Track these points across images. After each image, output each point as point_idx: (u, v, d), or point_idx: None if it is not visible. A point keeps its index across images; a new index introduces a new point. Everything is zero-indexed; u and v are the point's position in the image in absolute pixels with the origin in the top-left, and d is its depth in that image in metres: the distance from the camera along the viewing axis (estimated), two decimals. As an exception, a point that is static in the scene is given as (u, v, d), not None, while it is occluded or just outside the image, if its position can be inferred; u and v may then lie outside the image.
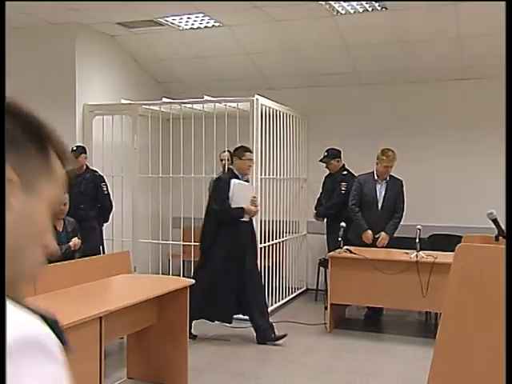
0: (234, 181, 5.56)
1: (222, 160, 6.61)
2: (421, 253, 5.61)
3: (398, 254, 5.83)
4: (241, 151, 5.66)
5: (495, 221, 3.56)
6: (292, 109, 7.32)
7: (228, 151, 6.33)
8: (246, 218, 5.62)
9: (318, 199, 7.27)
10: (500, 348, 3.16)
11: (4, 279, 0.67)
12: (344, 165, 7.02)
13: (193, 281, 4.68)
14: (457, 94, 7.29)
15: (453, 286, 3.21)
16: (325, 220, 7.11)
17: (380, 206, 6.25)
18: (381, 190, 6.30)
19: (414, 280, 5.51)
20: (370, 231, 6.18)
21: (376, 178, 6.31)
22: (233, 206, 5.52)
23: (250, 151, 5.73)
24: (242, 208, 5.54)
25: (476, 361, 3.17)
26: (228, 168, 5.90)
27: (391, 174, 6.34)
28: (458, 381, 3.23)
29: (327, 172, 7.13)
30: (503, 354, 3.16)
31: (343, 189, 6.82)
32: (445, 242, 6.11)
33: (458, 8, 5.85)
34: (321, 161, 6.99)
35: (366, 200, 6.25)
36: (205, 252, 5.68)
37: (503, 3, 3.32)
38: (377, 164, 6.25)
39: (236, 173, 5.64)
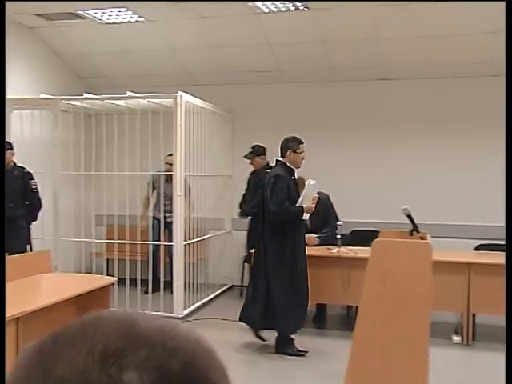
0: (309, 181, 5.27)
1: (168, 164, 6.61)
2: (342, 248, 5.75)
3: (321, 250, 5.95)
4: (295, 144, 5.25)
5: (409, 216, 3.71)
6: (217, 106, 7.34)
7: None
8: (305, 217, 5.26)
9: (243, 196, 7.31)
10: (415, 337, 3.29)
11: (4, 279, 0.64)
12: (268, 162, 7.09)
13: (114, 278, 4.62)
14: (373, 93, 7.51)
15: (370, 279, 3.32)
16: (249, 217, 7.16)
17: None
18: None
19: (335, 275, 5.64)
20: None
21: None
22: (298, 205, 5.14)
23: (303, 142, 5.30)
24: (301, 206, 5.14)
25: (392, 350, 3.29)
26: (277, 161, 5.37)
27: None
28: (376, 370, 3.34)
29: (252, 169, 7.19)
30: (418, 343, 3.30)
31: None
32: (366, 237, 6.24)
33: (376, 11, 6.02)
34: (245, 157, 7.03)
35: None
36: (260, 257, 5.24)
37: (503, 3, 3.42)
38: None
39: (289, 166, 5.26)
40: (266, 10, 6.08)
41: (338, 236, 5.79)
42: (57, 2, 6.07)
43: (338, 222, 5.91)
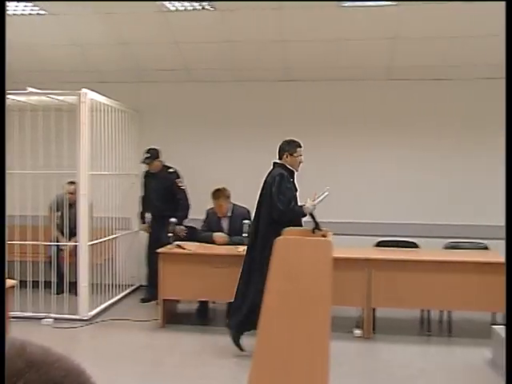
0: (326, 192, 5.15)
1: (70, 193, 6.54)
2: (249, 247, 5.82)
3: (228, 249, 6.00)
4: (292, 147, 5.23)
5: (312, 215, 3.82)
6: (123, 104, 7.23)
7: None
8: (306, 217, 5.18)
9: (143, 199, 7.24)
10: (316, 332, 3.39)
11: (4, 279, 0.60)
12: (164, 163, 7.08)
13: (14, 281, 4.46)
14: (277, 93, 7.67)
15: (273, 277, 3.40)
16: (149, 215, 7.12)
17: None
18: None
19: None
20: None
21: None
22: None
23: (301, 146, 5.28)
24: (301, 207, 5.07)
25: (294, 345, 3.38)
26: (275, 163, 5.30)
27: None
28: (279, 365, 3.41)
29: (144, 171, 7.18)
30: (319, 337, 3.40)
31: (181, 185, 6.95)
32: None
33: (281, 13, 6.14)
34: (144, 162, 6.96)
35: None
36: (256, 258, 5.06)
37: (503, 3, 3.50)
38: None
39: (290, 168, 5.23)
40: (173, 9, 6.06)
41: (245, 235, 5.86)
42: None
43: (245, 221, 5.99)
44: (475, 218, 7.27)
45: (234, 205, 6.43)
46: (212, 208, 6.47)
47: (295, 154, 5.21)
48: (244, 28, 6.53)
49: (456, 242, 6.48)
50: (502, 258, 5.44)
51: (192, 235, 7.12)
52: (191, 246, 6.08)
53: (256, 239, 5.11)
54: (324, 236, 3.76)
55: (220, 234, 6.29)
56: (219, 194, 6.37)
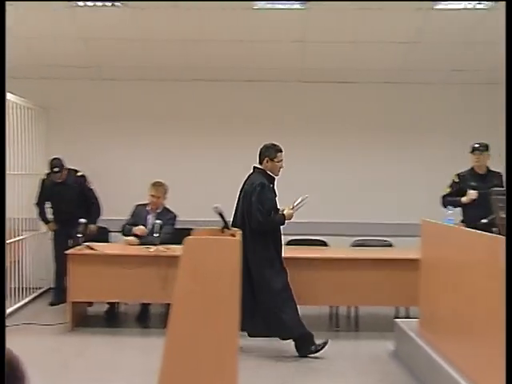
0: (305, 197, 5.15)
1: None
2: (160, 247, 5.79)
3: (139, 250, 5.94)
4: (272, 152, 5.15)
5: (220, 214, 3.85)
6: (29, 101, 7.00)
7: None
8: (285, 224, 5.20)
9: (56, 209, 7.06)
10: (227, 333, 3.42)
11: (4, 278, 0.57)
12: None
13: None
14: (184, 94, 7.73)
15: (181, 276, 3.40)
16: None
17: None
18: None
19: (154, 274, 5.66)
20: None
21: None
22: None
23: (282, 150, 5.19)
24: (283, 214, 5.10)
25: (204, 345, 3.39)
26: (256, 168, 5.25)
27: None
28: (190, 367, 3.42)
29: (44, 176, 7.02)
30: (228, 336, 3.44)
31: (91, 186, 6.94)
32: (184, 235, 6.34)
33: (193, 13, 6.14)
34: (55, 176, 6.76)
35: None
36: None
37: (503, 3, 3.53)
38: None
39: (270, 174, 5.16)
40: (81, 4, 5.93)
41: (156, 235, 5.83)
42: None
43: (157, 221, 5.96)
44: (380, 216, 7.57)
45: (164, 207, 6.43)
46: (141, 204, 6.42)
47: (275, 160, 5.16)
48: (155, 26, 6.49)
49: (363, 240, 6.71)
50: (405, 255, 5.69)
51: (104, 235, 7.03)
52: (101, 247, 5.98)
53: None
54: (233, 235, 3.80)
55: (141, 227, 6.25)
56: (159, 184, 6.38)
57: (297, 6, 6.23)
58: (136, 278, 5.71)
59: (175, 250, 5.65)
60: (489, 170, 6.09)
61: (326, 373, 4.75)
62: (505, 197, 3.47)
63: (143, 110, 7.68)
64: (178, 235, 6.73)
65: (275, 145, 5.19)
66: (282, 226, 5.19)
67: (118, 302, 6.39)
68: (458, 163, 7.42)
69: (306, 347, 5.09)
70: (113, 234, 7.12)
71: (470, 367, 3.62)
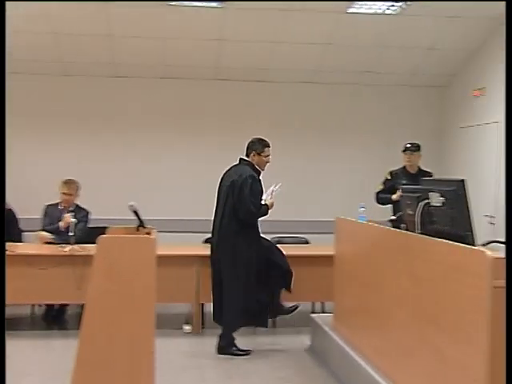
0: (277, 186, 5.31)
1: None
2: (76, 246, 5.67)
3: (53, 249, 5.79)
4: (260, 146, 5.21)
5: (136, 212, 3.81)
6: None
7: None
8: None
9: None
10: (143, 332, 3.40)
11: (4, 277, 0.50)
12: None
13: None
14: (105, 89, 7.65)
15: (96, 276, 3.34)
16: None
17: None
18: None
19: (70, 274, 5.53)
20: None
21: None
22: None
23: (269, 145, 5.26)
24: (266, 205, 5.18)
25: (119, 344, 3.35)
26: (242, 160, 5.29)
27: None
28: (103, 368, 3.37)
29: None
30: (143, 335, 3.41)
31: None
32: (100, 234, 6.24)
33: (109, 11, 6.06)
34: None
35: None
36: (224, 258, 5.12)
37: (503, 3, 3.47)
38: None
39: (257, 167, 5.22)
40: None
41: (71, 234, 5.70)
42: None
43: (72, 219, 5.83)
44: (298, 213, 7.73)
45: (76, 205, 6.28)
46: (51, 204, 6.24)
47: (262, 154, 5.24)
48: (68, 20, 6.38)
49: (280, 237, 6.80)
50: (321, 251, 5.83)
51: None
52: (14, 247, 5.78)
53: (219, 237, 5.20)
54: (148, 233, 3.77)
55: (44, 233, 6.08)
56: (71, 182, 6.23)
57: (214, 4, 6.26)
58: (51, 278, 5.56)
59: (90, 249, 5.53)
60: (420, 170, 6.30)
61: (242, 369, 4.79)
62: (413, 194, 3.62)
63: (51, 106, 7.55)
64: (93, 234, 6.63)
65: (263, 140, 5.30)
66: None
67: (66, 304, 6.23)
68: (377, 161, 7.70)
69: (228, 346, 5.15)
70: (26, 233, 6.89)
71: (381, 359, 3.75)
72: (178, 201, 7.66)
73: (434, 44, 7.28)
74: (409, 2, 6.20)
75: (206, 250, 5.55)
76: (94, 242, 3.43)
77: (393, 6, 6.30)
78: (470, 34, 7.11)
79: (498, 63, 7.09)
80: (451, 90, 8.23)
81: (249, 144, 5.31)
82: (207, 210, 7.79)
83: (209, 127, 7.85)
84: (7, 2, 4.47)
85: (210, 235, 6.69)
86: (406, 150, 6.26)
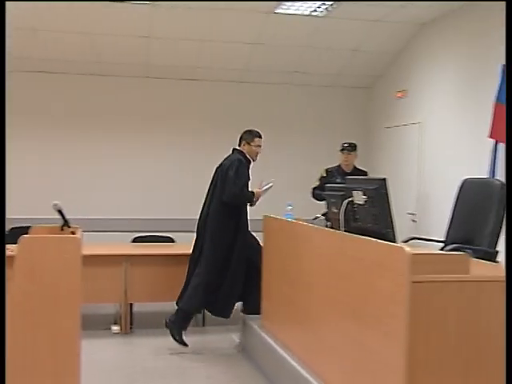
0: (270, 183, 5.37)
1: None
2: (-3, 247, 5.48)
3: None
4: (250, 136, 5.35)
5: (60, 211, 3.74)
6: None
7: None
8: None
9: None
10: (68, 333, 3.34)
11: (4, 277, 0.45)
12: None
13: None
14: (53, 87, 7.56)
15: (17, 278, 3.26)
16: None
17: None
18: None
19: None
20: None
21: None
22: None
23: (261, 136, 5.39)
24: (253, 192, 5.26)
25: (43, 347, 3.28)
26: (234, 149, 5.44)
27: None
28: (27, 371, 3.29)
29: None
30: (69, 336, 3.35)
31: None
32: (23, 234, 6.07)
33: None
34: None
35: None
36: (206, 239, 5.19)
37: (503, 3, 3.39)
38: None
39: (248, 157, 5.33)
40: None
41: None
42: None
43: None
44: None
45: None
46: None
47: (252, 144, 5.35)
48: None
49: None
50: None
51: None
52: None
53: (206, 221, 5.26)
54: (73, 233, 3.70)
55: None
56: None
57: (144, 1, 6.21)
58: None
59: (13, 249, 5.38)
60: (355, 168, 6.43)
61: (172, 369, 4.78)
62: (337, 193, 3.71)
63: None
64: (16, 234, 6.43)
65: (253, 130, 5.44)
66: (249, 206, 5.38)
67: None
68: (305, 160, 7.83)
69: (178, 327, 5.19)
70: None
71: (308, 355, 3.82)
72: (106, 200, 7.55)
73: (360, 46, 7.47)
74: (335, 5, 6.33)
75: (134, 249, 5.51)
76: (16, 243, 3.34)
77: (319, 7, 6.41)
78: (394, 37, 7.34)
79: (419, 66, 7.35)
80: (376, 91, 8.47)
81: (241, 134, 5.47)
82: (136, 209, 7.75)
83: (140, 125, 7.77)
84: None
85: (138, 234, 6.69)
86: (343, 149, 6.40)
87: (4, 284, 3.06)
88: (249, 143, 5.38)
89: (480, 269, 3.00)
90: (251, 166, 5.44)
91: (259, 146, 5.40)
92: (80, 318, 3.38)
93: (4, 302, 2.88)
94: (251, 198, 5.30)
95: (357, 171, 6.38)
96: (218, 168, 5.41)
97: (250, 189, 5.30)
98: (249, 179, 5.33)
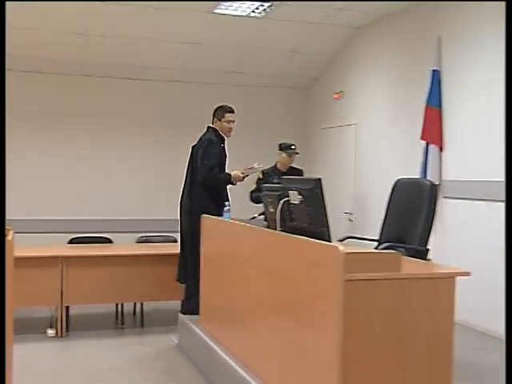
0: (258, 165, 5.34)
1: None
2: None
3: None
4: (220, 112, 5.26)
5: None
6: None
7: None
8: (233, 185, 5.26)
9: None
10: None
11: (4, 277, 0.40)
12: None
13: None
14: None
15: None
16: None
17: None
18: None
19: None
20: None
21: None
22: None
23: (233, 111, 5.27)
24: (229, 174, 5.17)
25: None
26: (208, 127, 5.32)
27: None
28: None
29: None
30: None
31: None
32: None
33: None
34: None
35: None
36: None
37: (503, 3, 3.31)
38: (220, 121, 5.34)
39: (221, 134, 5.24)
40: None
41: None
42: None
43: None
44: (165, 212, 7.73)
45: None
46: None
47: (223, 120, 5.28)
48: None
49: (148, 236, 6.77)
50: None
51: None
52: None
53: (181, 205, 5.26)
54: (5, 235, 3.60)
55: None
56: None
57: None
58: None
59: None
60: (291, 168, 6.50)
61: (108, 371, 4.72)
62: (273, 193, 3.75)
63: None
64: None
65: (224, 106, 5.34)
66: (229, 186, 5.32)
67: None
68: (244, 160, 7.83)
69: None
70: None
71: (245, 354, 3.85)
72: (41, 201, 7.39)
73: (297, 48, 7.57)
74: (273, 7, 6.39)
75: (71, 251, 5.41)
76: None
77: (258, 8, 6.47)
78: (331, 40, 7.47)
79: (355, 68, 7.51)
80: (313, 92, 8.60)
81: (213, 111, 5.39)
82: (73, 210, 7.61)
83: (72, 124, 7.64)
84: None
85: (75, 235, 6.58)
86: (287, 149, 6.44)
87: (4, 284, 2.98)
88: (220, 119, 5.30)
89: (411, 267, 3.09)
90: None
91: (231, 121, 5.32)
92: (12, 321, 3.31)
93: (4, 302, 2.81)
94: (226, 180, 5.22)
95: (293, 170, 6.47)
96: (193, 147, 5.38)
97: (227, 167, 5.30)
98: (225, 157, 5.28)
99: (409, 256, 3.51)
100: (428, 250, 4.10)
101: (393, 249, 3.29)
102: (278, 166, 6.51)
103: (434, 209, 4.20)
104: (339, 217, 7.24)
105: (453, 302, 2.90)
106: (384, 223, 4.52)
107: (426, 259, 4.00)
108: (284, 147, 6.48)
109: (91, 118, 7.71)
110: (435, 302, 2.85)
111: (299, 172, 6.46)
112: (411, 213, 4.25)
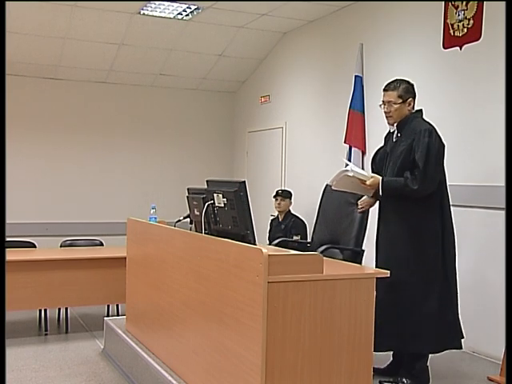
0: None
1: None
2: None
3: None
4: None
5: None
6: None
7: None
8: None
9: None
10: None
11: (4, 277, 0.33)
12: None
13: None
14: None
15: None
16: None
17: None
18: None
19: None
20: None
21: None
22: None
23: None
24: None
25: None
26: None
27: None
28: None
29: None
30: None
31: None
32: None
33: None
34: None
35: None
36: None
37: (503, 3, 3.18)
38: None
39: None
40: None
41: None
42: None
43: None
44: (89, 215, 7.61)
45: None
46: None
47: None
48: None
49: (73, 240, 6.63)
50: (114, 253, 5.79)
51: None
52: None
53: None
54: None
55: None
56: None
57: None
58: None
59: None
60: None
61: (30, 381, 4.59)
62: (199, 195, 3.76)
63: None
64: None
65: None
66: None
67: None
68: (171, 162, 7.83)
69: None
70: None
71: (172, 358, 3.84)
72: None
73: (225, 51, 7.61)
74: (200, 10, 6.40)
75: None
76: None
77: (185, 11, 6.45)
78: (258, 44, 7.55)
79: (281, 73, 7.62)
80: (240, 95, 8.66)
81: None
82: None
83: (14, 126, 7.41)
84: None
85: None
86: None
87: (4, 283, 2.84)
88: None
89: (333, 268, 3.17)
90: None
91: None
92: None
93: (4, 302, 2.70)
94: None
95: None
96: None
97: None
98: None
99: (344, 258, 3.61)
100: (363, 251, 4.21)
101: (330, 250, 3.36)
102: None
103: (366, 212, 4.30)
104: (267, 220, 7.31)
105: (372, 301, 3.00)
106: (315, 226, 4.61)
107: (361, 260, 4.12)
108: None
109: (23, 119, 7.51)
110: (356, 301, 2.94)
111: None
112: (344, 216, 4.35)
